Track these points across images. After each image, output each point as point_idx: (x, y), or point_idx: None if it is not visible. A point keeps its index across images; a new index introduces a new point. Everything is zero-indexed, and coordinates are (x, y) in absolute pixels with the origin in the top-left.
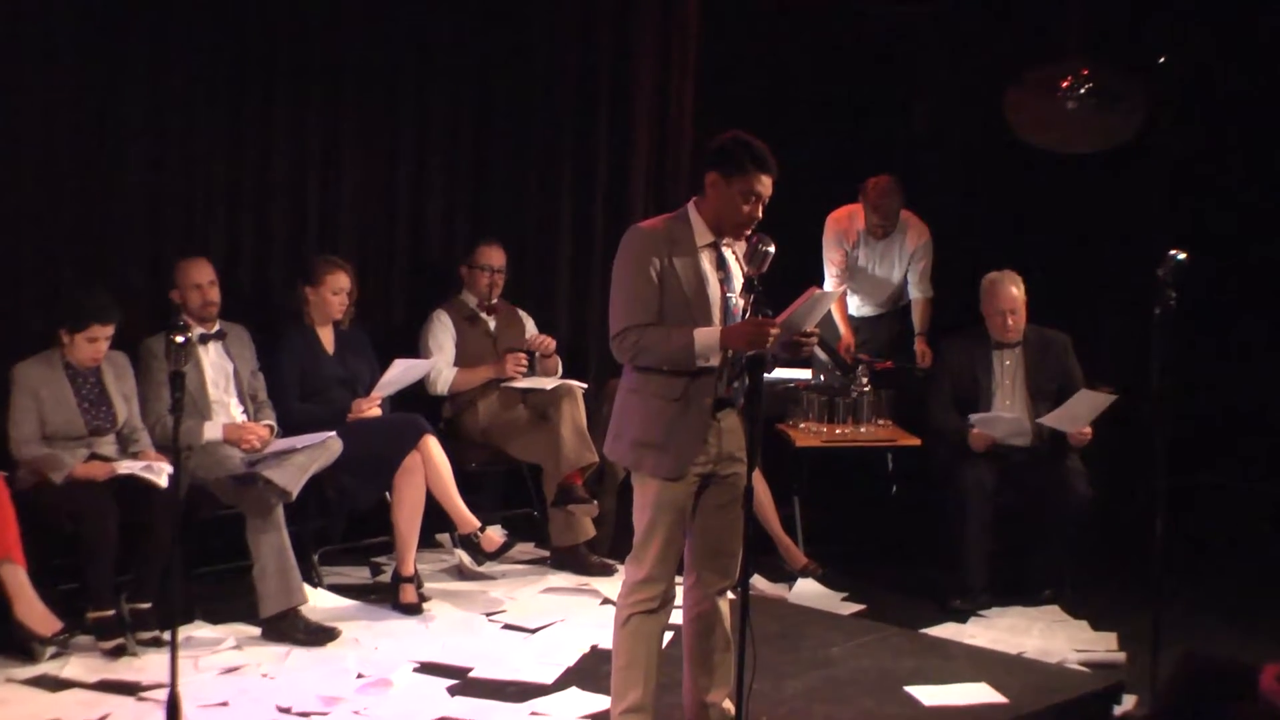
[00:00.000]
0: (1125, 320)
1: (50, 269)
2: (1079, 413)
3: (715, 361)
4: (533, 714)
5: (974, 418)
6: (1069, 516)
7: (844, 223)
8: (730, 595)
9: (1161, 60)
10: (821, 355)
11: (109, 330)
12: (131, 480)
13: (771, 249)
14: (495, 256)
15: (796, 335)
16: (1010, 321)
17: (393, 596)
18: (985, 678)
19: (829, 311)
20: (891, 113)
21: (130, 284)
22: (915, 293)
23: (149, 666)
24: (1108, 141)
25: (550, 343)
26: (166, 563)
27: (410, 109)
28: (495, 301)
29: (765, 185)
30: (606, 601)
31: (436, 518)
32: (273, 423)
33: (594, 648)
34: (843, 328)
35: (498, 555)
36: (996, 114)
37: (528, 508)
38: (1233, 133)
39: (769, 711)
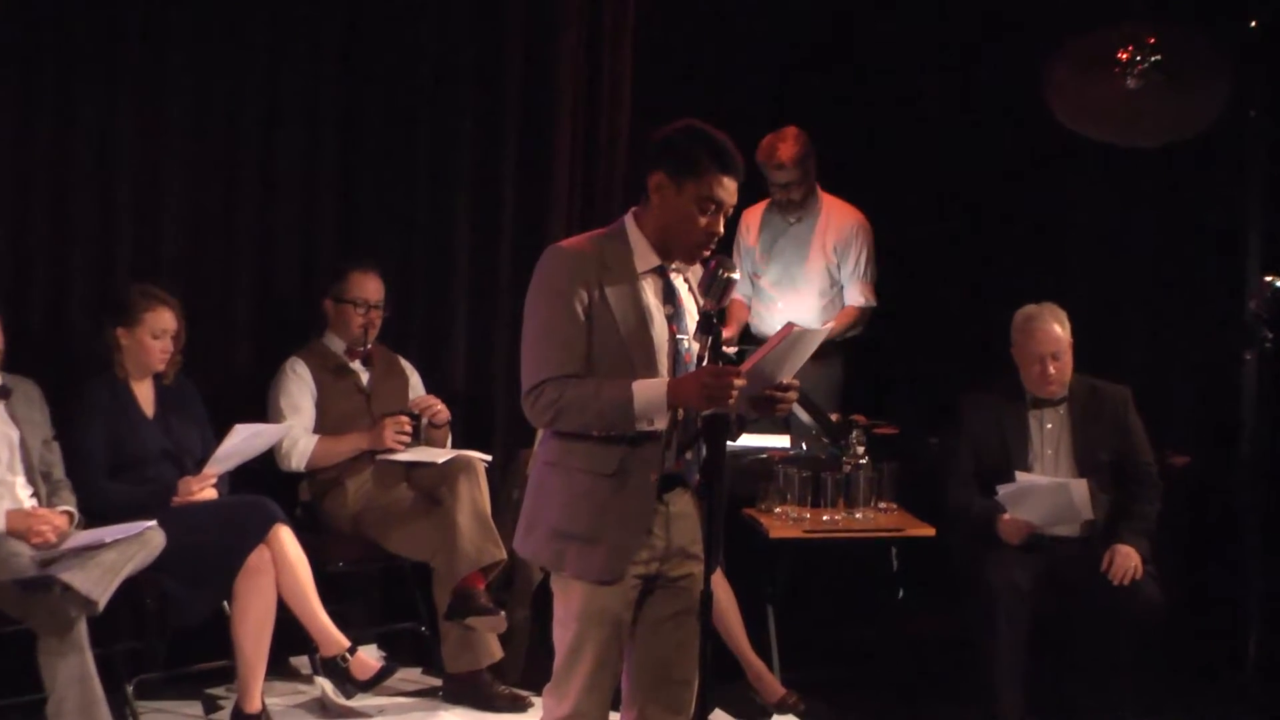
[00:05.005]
0: (1206, 368)
1: None
2: (1060, 509)
3: (661, 425)
4: None
5: (1002, 491)
6: (1132, 627)
7: (749, 217)
8: None
9: (1253, 25)
10: (803, 416)
11: None
12: None
13: (736, 276)
14: (371, 288)
15: (769, 389)
16: (1051, 370)
17: None
18: None
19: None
20: (893, 93)
21: None
22: (848, 297)
23: None
24: (1180, 131)
25: (442, 411)
26: None
27: (254, 93)
28: (370, 347)
29: (728, 190)
30: None
31: (291, 635)
32: (72, 508)
33: None
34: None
35: (373, 685)
36: (1033, 93)
37: (412, 621)
38: None
39: None
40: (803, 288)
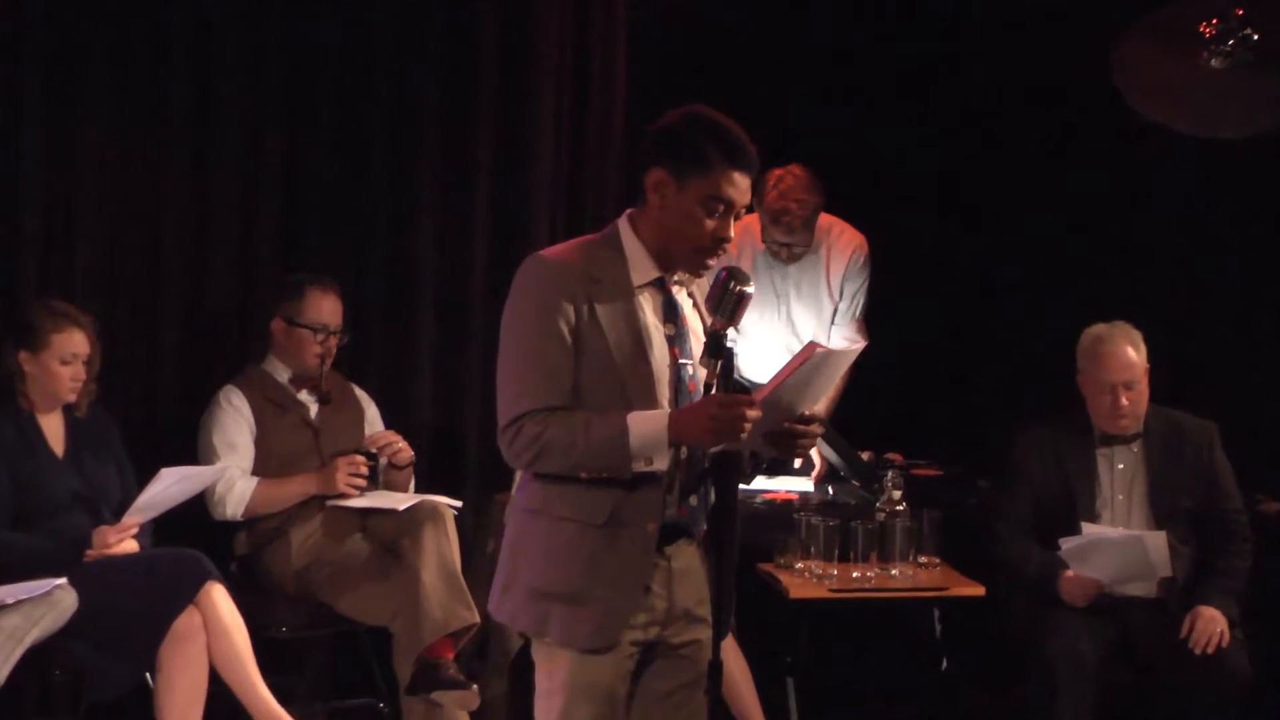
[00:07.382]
0: None
1: None
2: (1134, 565)
3: (662, 465)
4: None
5: (1065, 544)
6: (1217, 703)
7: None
8: None
9: None
10: (829, 455)
11: None
12: None
13: (749, 289)
14: (330, 310)
15: (788, 421)
16: (1124, 401)
17: None
18: None
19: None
20: (934, 73)
21: None
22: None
23: None
24: (1271, 121)
25: (404, 450)
26: None
27: (184, 81)
28: (324, 377)
29: (740, 188)
30: None
31: (226, 711)
32: None
33: None
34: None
35: None
36: (1099, 74)
37: (369, 696)
38: None
39: None
40: (804, 336)
